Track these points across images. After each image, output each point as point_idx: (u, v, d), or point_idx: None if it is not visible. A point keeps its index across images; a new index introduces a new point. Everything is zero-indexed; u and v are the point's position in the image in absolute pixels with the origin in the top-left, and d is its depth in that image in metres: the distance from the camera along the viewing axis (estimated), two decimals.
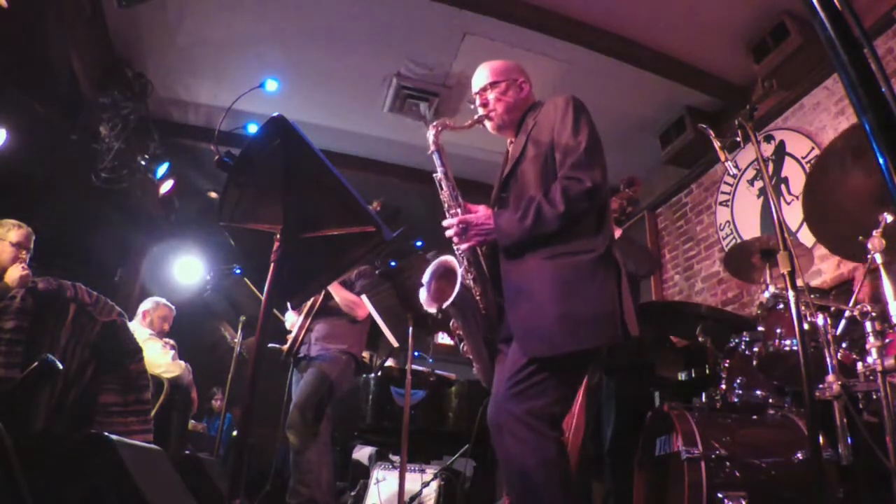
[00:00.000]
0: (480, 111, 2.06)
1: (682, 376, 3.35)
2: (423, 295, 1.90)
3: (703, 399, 2.43)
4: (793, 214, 3.91)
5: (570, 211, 1.75)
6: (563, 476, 1.62)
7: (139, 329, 3.82)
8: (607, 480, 3.01)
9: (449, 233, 1.87)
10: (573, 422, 2.73)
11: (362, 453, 4.78)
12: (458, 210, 1.90)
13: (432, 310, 1.85)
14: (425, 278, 1.92)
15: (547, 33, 4.19)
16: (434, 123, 1.99)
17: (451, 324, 1.98)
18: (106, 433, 1.69)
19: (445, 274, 1.89)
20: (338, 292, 3.44)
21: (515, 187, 1.94)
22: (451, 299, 1.79)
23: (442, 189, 1.95)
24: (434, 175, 1.97)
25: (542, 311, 1.71)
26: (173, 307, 4.22)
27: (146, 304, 4.13)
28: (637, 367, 3.19)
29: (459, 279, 1.81)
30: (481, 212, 1.88)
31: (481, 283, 1.88)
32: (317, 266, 1.66)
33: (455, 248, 1.88)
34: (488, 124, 2.07)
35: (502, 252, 1.86)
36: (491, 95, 2.05)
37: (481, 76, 2.10)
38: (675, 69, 4.50)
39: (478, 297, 1.88)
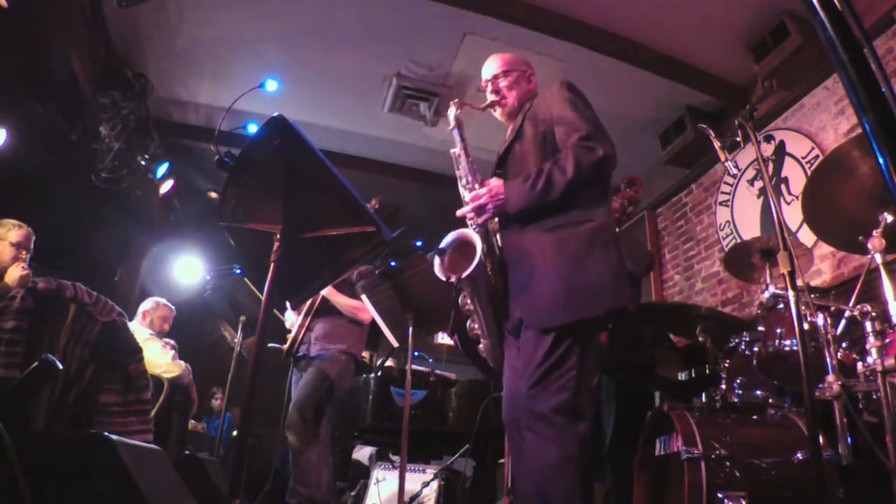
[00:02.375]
0: (491, 97, 2.12)
1: (682, 376, 3.34)
2: (436, 265, 1.91)
3: (703, 399, 2.43)
4: (793, 214, 3.91)
5: (580, 177, 1.77)
6: (582, 472, 1.63)
7: (139, 329, 3.82)
8: (608, 480, 3.00)
9: (463, 211, 1.91)
10: None
11: (362, 453, 4.78)
12: (476, 185, 1.94)
13: (450, 279, 1.86)
14: (440, 247, 1.93)
15: (547, 33, 4.19)
16: (455, 101, 2.05)
17: (460, 299, 1.98)
18: (106, 433, 1.69)
19: (462, 246, 1.90)
20: (337, 299, 3.43)
21: (513, 164, 1.99)
22: (470, 269, 1.80)
23: (459, 165, 2.00)
24: (452, 151, 2.02)
25: (545, 282, 1.74)
26: (173, 307, 4.22)
27: (146, 304, 4.13)
28: (637, 367, 3.19)
29: (479, 251, 1.82)
30: (493, 183, 1.91)
31: (491, 258, 1.91)
32: (317, 266, 1.66)
33: (470, 224, 1.91)
34: (498, 110, 2.14)
35: (506, 223, 1.90)
36: (503, 83, 2.12)
37: (493, 65, 2.17)
38: (675, 69, 4.51)
39: (489, 272, 1.90)
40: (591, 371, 1.80)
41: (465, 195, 1.97)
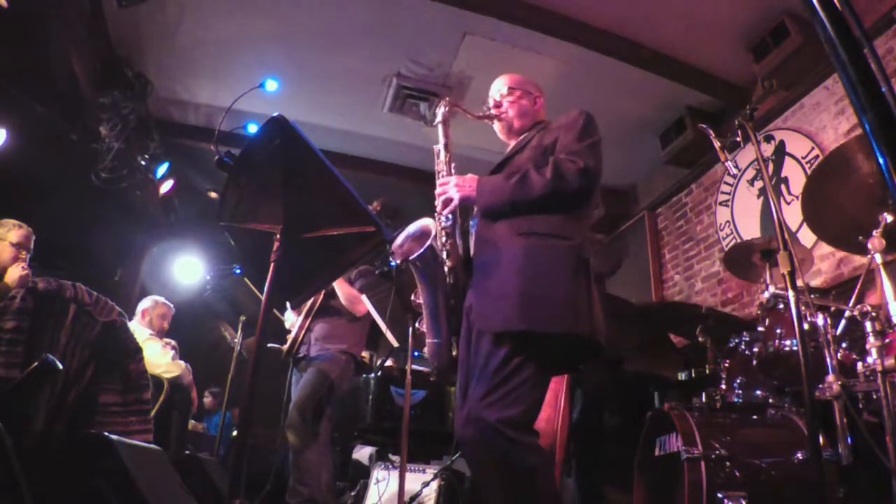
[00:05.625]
0: (492, 111, 2.12)
1: (682, 376, 3.34)
2: (394, 244, 1.92)
3: (703, 399, 2.43)
4: (793, 214, 3.90)
5: (557, 183, 1.74)
6: (542, 484, 1.59)
7: (139, 329, 3.81)
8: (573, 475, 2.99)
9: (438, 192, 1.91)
10: (559, 418, 2.73)
11: (362, 453, 4.77)
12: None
13: (397, 260, 1.87)
14: (403, 234, 1.94)
15: (547, 33, 4.18)
16: (447, 99, 2.06)
17: (412, 296, 1.98)
18: (106, 433, 1.69)
19: (421, 236, 1.90)
20: (340, 286, 3.43)
21: (508, 169, 1.96)
22: (418, 253, 1.80)
23: (438, 159, 2.02)
24: (434, 147, 2.04)
25: (506, 286, 1.69)
26: (172, 305, 4.21)
27: (145, 303, 4.12)
28: (608, 361, 3.16)
29: (430, 240, 1.82)
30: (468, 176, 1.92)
31: (454, 256, 1.89)
32: (317, 266, 1.66)
33: (438, 214, 1.90)
34: (497, 125, 2.13)
35: (480, 218, 1.88)
36: (506, 100, 2.12)
37: (499, 83, 2.18)
38: (675, 69, 4.50)
39: (448, 267, 1.89)
40: (543, 383, 1.70)
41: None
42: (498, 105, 2.11)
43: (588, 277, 1.76)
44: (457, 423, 1.76)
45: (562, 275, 1.72)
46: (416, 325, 2.01)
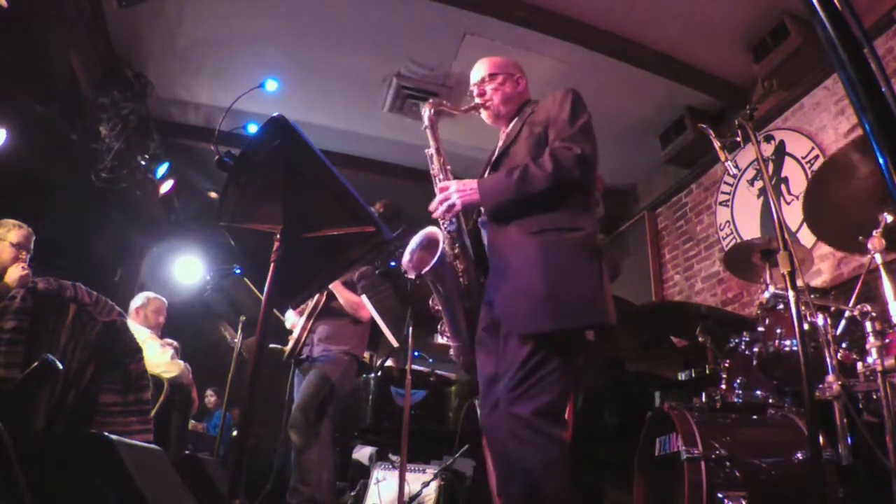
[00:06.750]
0: (478, 101, 2.11)
1: (682, 376, 3.34)
2: (404, 260, 1.91)
3: (703, 399, 2.43)
4: (793, 214, 3.91)
5: (558, 173, 1.74)
6: (565, 475, 1.61)
7: (138, 329, 3.80)
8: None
9: (433, 206, 1.90)
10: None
11: (362, 453, 4.77)
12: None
13: (411, 276, 1.86)
14: (409, 247, 1.94)
15: (547, 33, 4.18)
16: (430, 101, 2.05)
17: (430, 301, 1.98)
18: (106, 433, 1.69)
19: (429, 245, 1.89)
20: (341, 293, 3.44)
21: (506, 164, 1.95)
22: (430, 265, 1.79)
23: (432, 164, 2.01)
24: (426, 151, 2.03)
25: (529, 288, 1.71)
26: (164, 299, 4.17)
27: (137, 301, 4.05)
28: (608, 361, 3.16)
29: (441, 248, 1.81)
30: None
31: (465, 259, 1.89)
32: (317, 266, 1.66)
33: (440, 220, 1.89)
34: (484, 113, 2.12)
35: (487, 220, 1.88)
36: (489, 87, 2.11)
37: (479, 69, 2.17)
38: (675, 69, 4.50)
39: (460, 271, 1.89)
40: (570, 373, 1.74)
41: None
42: (482, 93, 2.10)
43: (600, 262, 1.78)
44: (482, 413, 1.80)
45: (580, 268, 1.74)
46: (440, 328, 2.00)
